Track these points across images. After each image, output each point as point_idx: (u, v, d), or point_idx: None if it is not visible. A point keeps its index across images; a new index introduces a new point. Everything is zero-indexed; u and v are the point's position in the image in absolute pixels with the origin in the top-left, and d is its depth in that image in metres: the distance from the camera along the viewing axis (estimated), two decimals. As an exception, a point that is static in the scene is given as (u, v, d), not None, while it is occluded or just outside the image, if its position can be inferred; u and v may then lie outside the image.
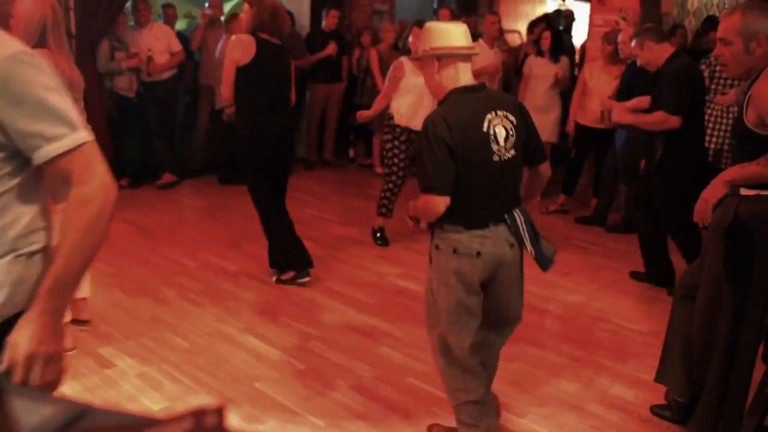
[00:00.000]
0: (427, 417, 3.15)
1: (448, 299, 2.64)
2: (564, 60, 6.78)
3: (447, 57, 2.59)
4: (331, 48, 7.66)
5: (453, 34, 2.61)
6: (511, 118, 2.59)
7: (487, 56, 6.66)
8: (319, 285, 4.68)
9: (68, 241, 1.47)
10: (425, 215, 2.63)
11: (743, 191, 2.66)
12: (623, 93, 5.58)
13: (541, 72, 6.75)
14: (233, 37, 4.54)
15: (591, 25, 7.22)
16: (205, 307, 4.24)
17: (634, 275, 4.92)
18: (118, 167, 6.88)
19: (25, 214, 1.55)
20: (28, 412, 0.63)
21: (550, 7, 11.38)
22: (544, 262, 2.73)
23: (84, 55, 6.44)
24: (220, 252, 5.24)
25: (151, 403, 3.19)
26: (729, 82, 6.01)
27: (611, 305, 4.50)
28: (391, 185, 5.59)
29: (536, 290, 4.69)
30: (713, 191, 2.76)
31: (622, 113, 4.79)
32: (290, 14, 8.11)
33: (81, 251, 1.48)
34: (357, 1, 8.72)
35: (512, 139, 2.57)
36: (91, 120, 7.47)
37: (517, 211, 2.65)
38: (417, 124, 5.46)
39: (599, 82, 6.10)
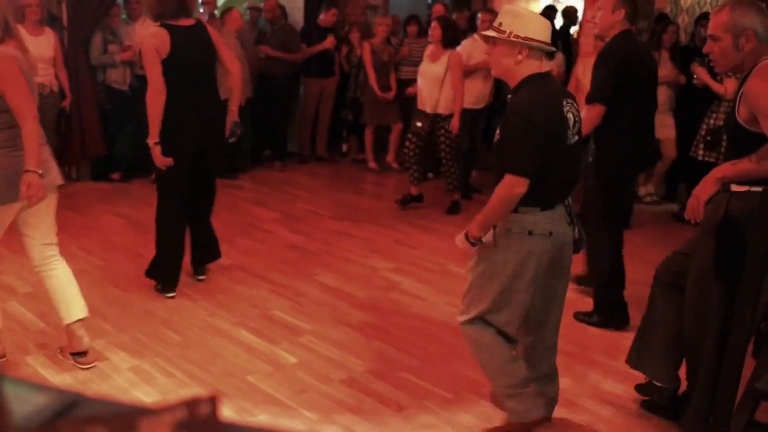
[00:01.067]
0: (419, 411, 3.16)
1: (518, 281, 2.74)
2: (559, 56, 6.76)
3: (537, 50, 2.69)
4: (330, 41, 7.65)
5: (546, 28, 2.72)
6: (576, 106, 2.75)
7: (480, 50, 6.65)
8: (311, 279, 4.68)
9: None
10: (508, 205, 2.64)
11: (734, 187, 2.67)
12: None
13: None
14: (145, 33, 4.32)
15: (584, 20, 7.22)
16: (197, 301, 4.24)
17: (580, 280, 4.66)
18: (110, 161, 6.87)
19: None
20: (19, 401, 0.63)
21: (543, 2, 11.36)
22: (580, 243, 2.90)
23: (76, 47, 6.43)
24: (213, 246, 5.23)
25: (144, 397, 3.19)
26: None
27: (603, 301, 4.50)
28: (408, 148, 6.29)
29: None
30: (704, 188, 2.77)
31: None
32: (282, 8, 8.12)
33: None
34: (351, -5, 8.70)
35: (577, 126, 2.73)
36: (84, 113, 7.45)
37: None
38: (430, 107, 6.10)
39: (590, 77, 6.09)
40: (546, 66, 2.80)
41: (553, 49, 2.80)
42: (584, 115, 3.84)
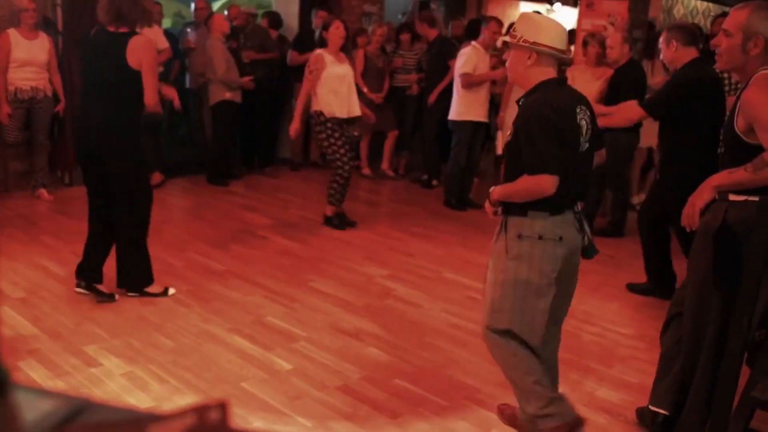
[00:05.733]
0: (414, 418, 3.15)
1: (534, 288, 2.72)
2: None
3: (547, 56, 2.70)
4: None
5: (558, 35, 2.72)
6: (589, 113, 2.74)
7: (485, 62, 6.64)
8: (305, 286, 4.66)
9: None
10: (531, 196, 2.64)
11: (732, 197, 2.68)
12: (611, 97, 5.62)
13: None
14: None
15: (579, 29, 7.26)
16: (191, 307, 4.22)
17: (632, 287, 4.86)
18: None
19: None
20: (26, 407, 0.62)
21: (531, 9, 11.40)
22: (591, 249, 2.88)
23: (70, 51, 6.41)
24: (207, 252, 5.21)
25: (137, 403, 3.17)
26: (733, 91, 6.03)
27: (598, 309, 4.52)
28: (339, 179, 5.79)
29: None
30: (701, 195, 2.78)
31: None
32: (278, 15, 8.14)
33: None
34: (347, 3, 8.72)
35: (590, 133, 2.72)
36: (78, 117, 7.24)
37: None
38: (347, 112, 5.70)
39: (581, 82, 6.11)
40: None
41: (568, 56, 2.81)
42: (619, 108, 4.23)
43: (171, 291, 4.36)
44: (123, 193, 4.07)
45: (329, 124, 5.62)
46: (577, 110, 2.68)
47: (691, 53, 4.29)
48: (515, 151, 2.70)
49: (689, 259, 2.95)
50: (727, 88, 5.87)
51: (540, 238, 2.69)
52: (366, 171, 7.96)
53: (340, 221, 5.92)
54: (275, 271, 4.90)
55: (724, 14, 7.48)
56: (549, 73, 2.73)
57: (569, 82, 6.22)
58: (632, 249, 5.78)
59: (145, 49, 3.95)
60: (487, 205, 2.84)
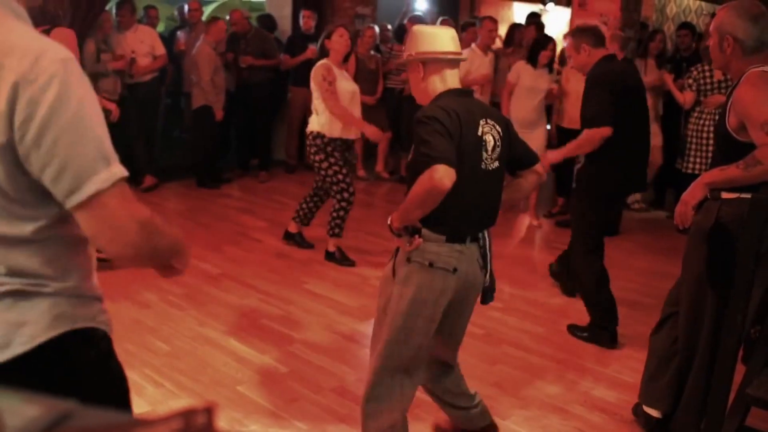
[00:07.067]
0: (410, 419, 3.14)
1: (414, 317, 2.48)
2: (555, 71, 6.43)
3: (433, 62, 2.52)
4: (311, 51, 7.64)
5: (440, 38, 2.53)
6: (498, 128, 2.50)
7: (482, 64, 6.57)
8: (300, 288, 4.66)
9: None
10: (428, 196, 2.28)
11: (724, 194, 2.69)
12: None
13: (534, 84, 6.13)
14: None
15: (571, 29, 7.26)
16: (186, 311, 4.21)
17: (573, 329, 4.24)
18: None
19: None
20: (10, 413, 0.61)
21: (519, 9, 11.38)
22: (490, 293, 2.63)
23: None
24: (202, 255, 5.20)
25: (132, 407, 3.15)
26: (717, 89, 6.06)
27: (593, 307, 4.52)
28: (346, 204, 5.12)
29: (518, 293, 4.72)
30: (693, 194, 2.77)
31: (553, 156, 4.07)
32: (271, 17, 8.13)
33: None
34: (339, 5, 8.72)
35: (498, 150, 2.48)
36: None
37: (487, 232, 2.57)
38: (354, 132, 5.04)
39: (575, 82, 6.09)
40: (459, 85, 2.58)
41: (455, 55, 2.54)
42: (583, 136, 3.87)
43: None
44: None
45: (329, 148, 4.96)
46: (481, 122, 2.44)
47: (601, 54, 4.01)
48: (415, 167, 2.36)
49: (683, 259, 2.96)
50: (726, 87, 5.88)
51: (431, 265, 2.42)
52: (361, 173, 7.95)
53: (342, 256, 5.23)
54: (270, 274, 4.89)
55: (686, 24, 7.53)
56: (445, 81, 2.52)
57: (563, 82, 6.26)
58: (627, 248, 5.79)
59: (65, 41, 4.07)
60: (396, 238, 2.53)
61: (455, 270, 2.44)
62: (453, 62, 2.55)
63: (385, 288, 2.63)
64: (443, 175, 2.23)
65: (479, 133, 2.43)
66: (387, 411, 2.60)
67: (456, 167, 2.26)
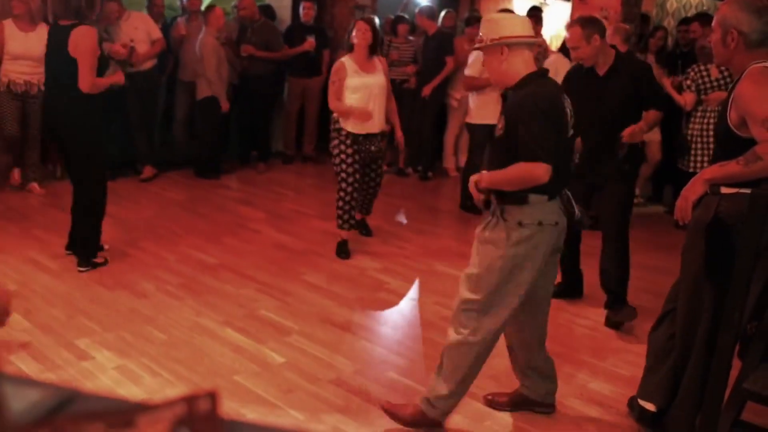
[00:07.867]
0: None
1: (528, 271, 2.79)
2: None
3: (517, 46, 2.75)
4: (309, 44, 7.62)
5: (520, 23, 2.82)
6: (569, 100, 2.83)
7: None
8: (298, 279, 4.66)
9: None
10: (523, 184, 2.69)
11: (723, 189, 2.69)
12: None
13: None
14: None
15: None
16: (184, 300, 4.21)
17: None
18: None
19: None
20: (14, 396, 0.61)
21: (524, 4, 11.35)
22: (584, 221, 3.02)
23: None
24: (199, 245, 5.20)
25: (130, 397, 3.16)
26: (716, 87, 6.05)
27: (591, 302, 4.52)
28: (344, 195, 5.06)
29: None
30: (693, 189, 2.77)
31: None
32: (271, 8, 8.09)
33: None
34: (339, -4, 8.68)
35: (572, 121, 2.83)
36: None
37: None
38: (366, 128, 5.00)
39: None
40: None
41: (535, 40, 2.87)
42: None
43: (105, 246, 4.81)
44: (77, 169, 4.59)
45: (343, 134, 4.99)
46: (564, 100, 2.79)
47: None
48: (505, 145, 2.73)
49: (682, 253, 2.96)
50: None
51: (540, 224, 2.75)
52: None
53: (339, 249, 5.16)
54: (268, 265, 4.89)
55: (686, 20, 7.50)
56: (528, 62, 2.80)
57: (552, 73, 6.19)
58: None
59: (83, 38, 4.32)
60: (474, 192, 2.87)
61: (557, 223, 2.81)
62: (532, 46, 2.87)
63: (494, 250, 2.80)
64: (543, 173, 2.63)
65: (566, 109, 2.78)
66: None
67: (553, 160, 2.64)
